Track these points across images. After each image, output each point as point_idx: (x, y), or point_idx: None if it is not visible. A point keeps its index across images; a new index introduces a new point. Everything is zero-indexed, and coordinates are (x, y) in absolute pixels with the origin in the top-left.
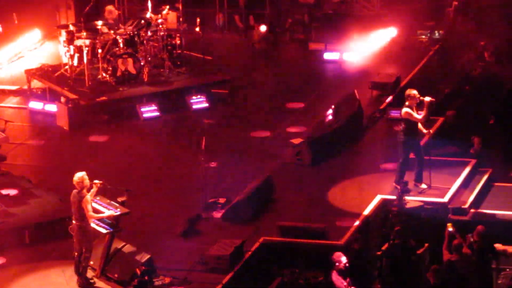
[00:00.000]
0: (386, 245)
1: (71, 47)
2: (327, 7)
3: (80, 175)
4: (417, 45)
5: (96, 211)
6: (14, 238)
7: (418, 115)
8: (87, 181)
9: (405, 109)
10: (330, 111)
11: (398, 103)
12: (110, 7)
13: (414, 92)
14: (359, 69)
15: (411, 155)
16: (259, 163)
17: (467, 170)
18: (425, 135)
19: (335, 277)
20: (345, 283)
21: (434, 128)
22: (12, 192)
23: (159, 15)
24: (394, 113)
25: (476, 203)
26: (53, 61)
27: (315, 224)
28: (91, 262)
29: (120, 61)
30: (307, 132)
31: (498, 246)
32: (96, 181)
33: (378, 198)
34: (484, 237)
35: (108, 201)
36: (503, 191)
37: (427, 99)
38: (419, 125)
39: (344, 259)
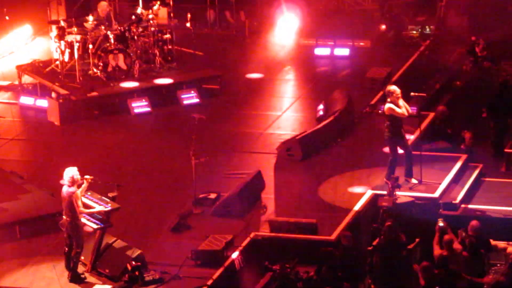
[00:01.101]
0: (377, 240)
1: (62, 42)
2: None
3: (71, 170)
4: (408, 40)
5: (87, 206)
6: (5, 233)
7: (400, 110)
8: (77, 177)
9: (388, 105)
10: (321, 107)
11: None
12: (103, 3)
13: (394, 87)
14: (350, 64)
15: (400, 151)
16: (249, 158)
17: (458, 165)
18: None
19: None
20: None
21: (424, 123)
22: None
23: (150, 11)
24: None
25: (467, 198)
26: (44, 57)
27: (306, 219)
28: (82, 258)
29: (111, 56)
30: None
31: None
32: (87, 176)
33: (369, 194)
34: (479, 233)
35: (99, 196)
36: (494, 186)
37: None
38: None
39: None
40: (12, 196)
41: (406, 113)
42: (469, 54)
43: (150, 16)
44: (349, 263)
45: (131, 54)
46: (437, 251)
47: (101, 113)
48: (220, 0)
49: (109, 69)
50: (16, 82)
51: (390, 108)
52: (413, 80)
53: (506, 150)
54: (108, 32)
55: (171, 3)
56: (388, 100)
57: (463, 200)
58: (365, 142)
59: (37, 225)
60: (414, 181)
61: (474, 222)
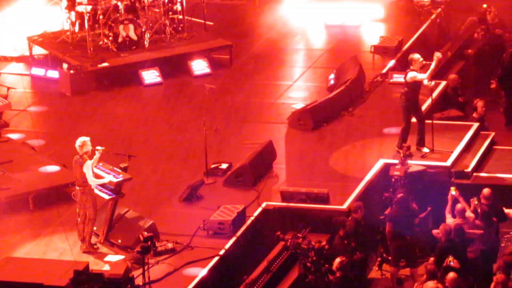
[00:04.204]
0: (388, 209)
1: (72, 13)
2: None
3: (82, 141)
4: (419, 8)
5: (98, 177)
6: (18, 204)
7: (423, 74)
8: (89, 147)
9: (411, 74)
10: (332, 76)
11: (400, 67)
12: None
13: (417, 56)
14: (361, 33)
15: (413, 119)
16: (260, 128)
17: (469, 133)
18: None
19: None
20: None
21: (436, 91)
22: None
23: None
24: (396, 77)
25: (479, 166)
26: (55, 28)
27: (317, 189)
28: (95, 228)
29: (121, 27)
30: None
31: None
32: (98, 147)
33: (380, 163)
34: (491, 201)
35: (111, 167)
36: (505, 154)
37: (438, 54)
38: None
39: None
40: (24, 167)
41: (429, 77)
42: (481, 22)
43: None
44: (359, 233)
45: (142, 25)
46: (449, 220)
47: (111, 84)
48: None
49: (120, 39)
50: (27, 53)
51: (412, 77)
52: (424, 49)
53: None
54: (118, 3)
55: None
56: (411, 67)
57: (475, 169)
58: (376, 111)
59: (50, 196)
60: (425, 149)
61: (486, 190)
